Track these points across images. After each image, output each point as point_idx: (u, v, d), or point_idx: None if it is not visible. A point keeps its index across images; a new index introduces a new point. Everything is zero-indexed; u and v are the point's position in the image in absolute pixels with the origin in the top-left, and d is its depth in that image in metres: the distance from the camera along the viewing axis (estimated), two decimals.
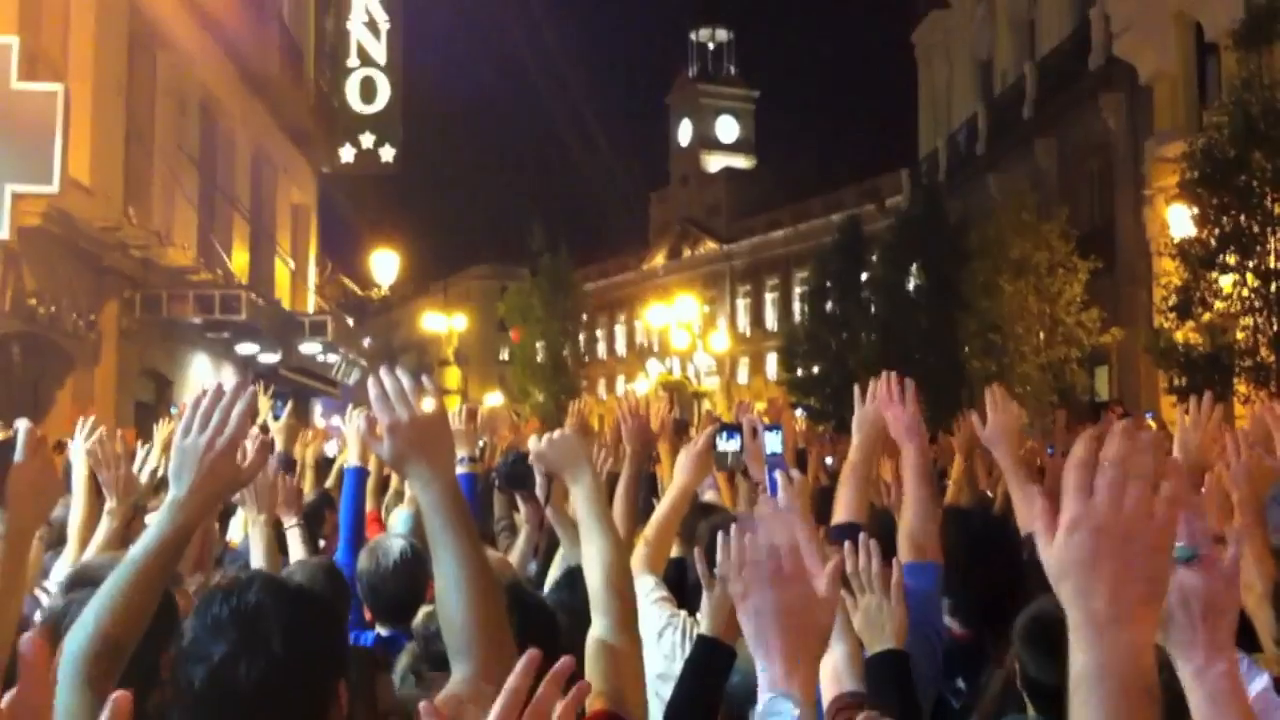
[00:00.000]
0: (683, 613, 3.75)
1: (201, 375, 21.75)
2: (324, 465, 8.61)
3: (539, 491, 4.06)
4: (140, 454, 6.63)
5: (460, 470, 4.87)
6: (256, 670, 2.04)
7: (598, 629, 2.92)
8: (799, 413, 27.43)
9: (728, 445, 4.21)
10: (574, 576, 3.46)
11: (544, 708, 1.44)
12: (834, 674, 3.07)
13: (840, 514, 4.04)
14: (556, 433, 3.27)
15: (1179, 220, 20.88)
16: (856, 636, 3.14)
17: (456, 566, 2.28)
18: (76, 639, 2.25)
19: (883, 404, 3.84)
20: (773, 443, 3.80)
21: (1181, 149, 21.12)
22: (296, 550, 4.95)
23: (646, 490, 4.85)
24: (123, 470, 4.29)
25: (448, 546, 2.30)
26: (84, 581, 3.04)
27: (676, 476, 4.26)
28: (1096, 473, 1.41)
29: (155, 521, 2.41)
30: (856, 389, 4.28)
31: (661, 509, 4.12)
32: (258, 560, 4.60)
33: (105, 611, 2.27)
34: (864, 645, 3.14)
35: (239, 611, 2.10)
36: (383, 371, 2.43)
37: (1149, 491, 1.40)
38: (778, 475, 3.53)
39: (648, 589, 3.84)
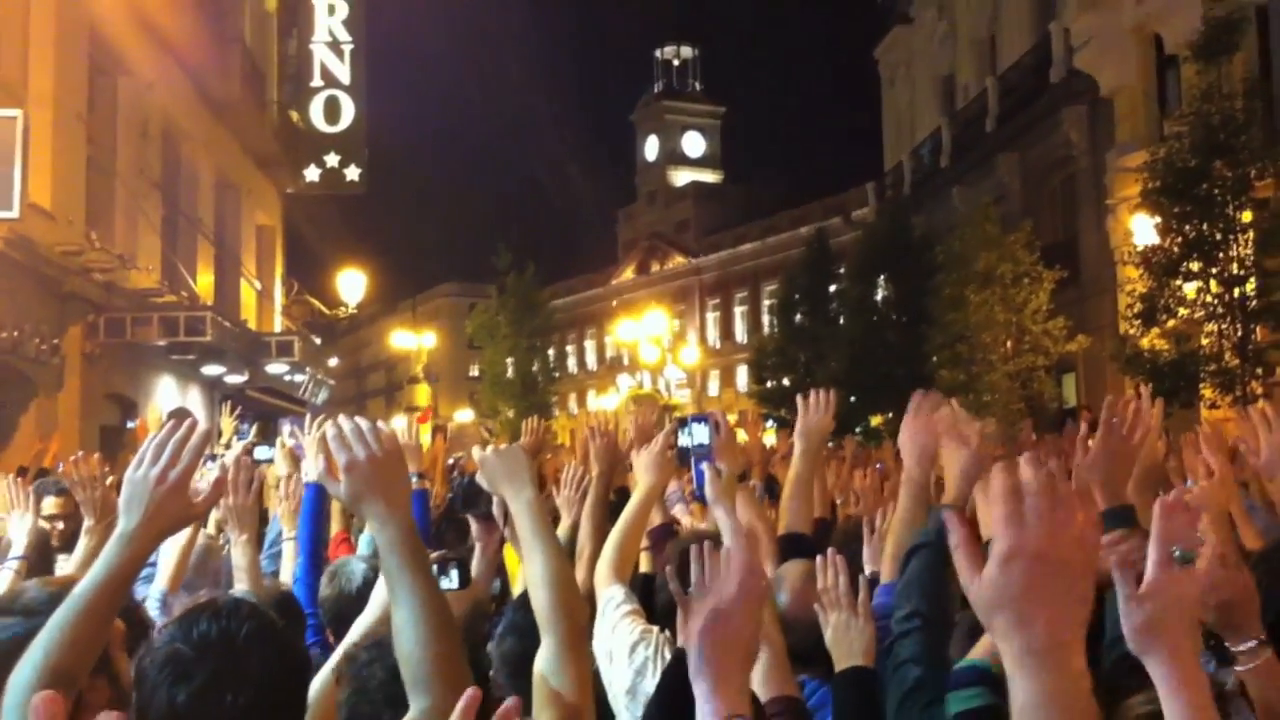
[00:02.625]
0: (655, 629, 3.70)
1: (167, 398, 21.62)
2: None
3: (495, 510, 3.99)
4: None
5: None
6: (242, 700, 2.04)
7: (546, 648, 2.88)
8: (769, 423, 27.45)
9: (688, 440, 4.15)
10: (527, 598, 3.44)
11: None
12: (764, 675, 3.06)
13: (787, 524, 4.05)
14: (504, 445, 3.22)
15: (1142, 229, 21.08)
16: (780, 639, 3.08)
17: (413, 603, 2.30)
18: (24, 673, 2.22)
19: (912, 422, 3.76)
20: (700, 434, 3.77)
21: (1143, 159, 21.34)
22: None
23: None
24: (98, 491, 4.35)
25: (404, 584, 2.31)
26: (8, 610, 2.96)
27: (640, 480, 4.24)
28: (1022, 501, 1.40)
29: (104, 554, 2.38)
30: (800, 399, 4.29)
31: (626, 514, 4.07)
32: (241, 578, 4.60)
33: (54, 644, 2.25)
34: (833, 661, 3.15)
35: (229, 638, 2.10)
36: (340, 417, 2.46)
37: (1075, 516, 1.40)
38: (704, 468, 3.49)
39: (616, 600, 3.79)
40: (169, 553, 4.56)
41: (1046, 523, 1.38)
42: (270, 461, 6.62)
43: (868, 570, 3.91)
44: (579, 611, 3.05)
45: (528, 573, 3.06)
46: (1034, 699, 1.37)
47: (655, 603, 4.04)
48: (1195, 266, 19.95)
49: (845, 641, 3.08)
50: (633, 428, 5.14)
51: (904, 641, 3.14)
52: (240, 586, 4.60)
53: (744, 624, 1.98)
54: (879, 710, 3.02)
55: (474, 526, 4.52)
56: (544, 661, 2.86)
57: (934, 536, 3.27)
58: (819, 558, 3.31)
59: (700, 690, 1.92)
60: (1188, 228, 19.87)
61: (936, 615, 3.22)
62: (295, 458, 6.09)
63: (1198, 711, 1.61)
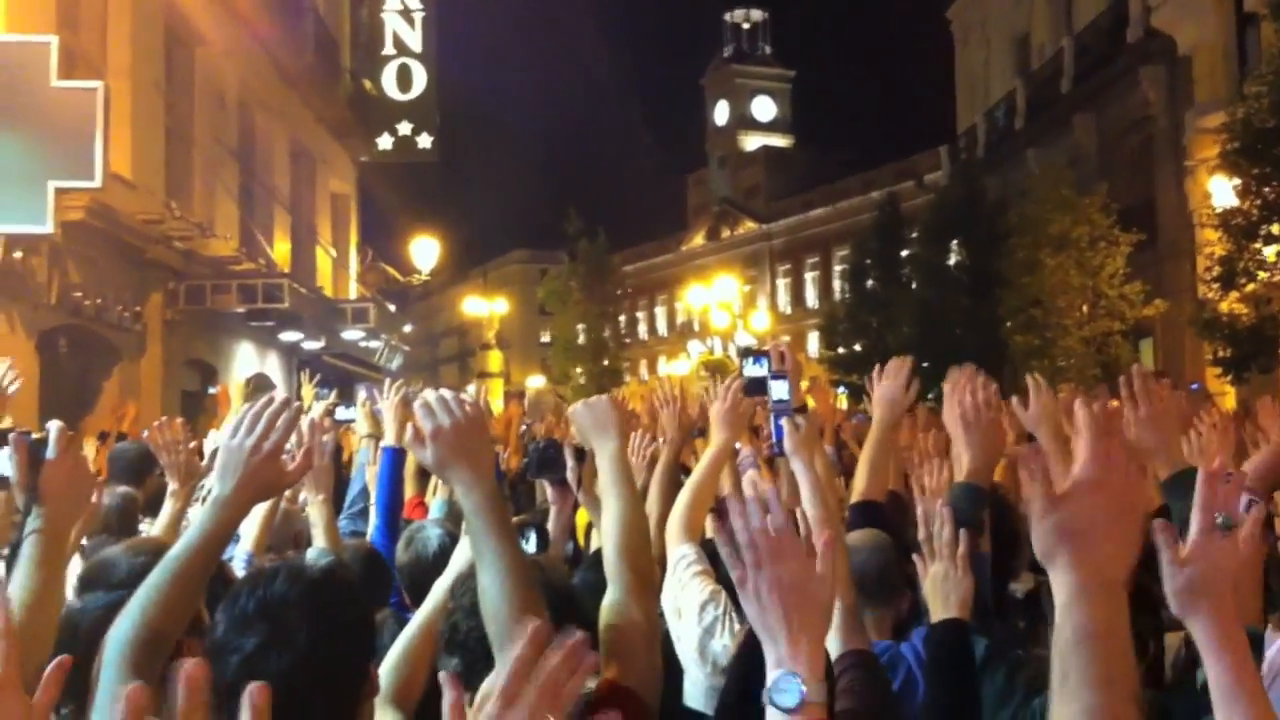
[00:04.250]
0: (724, 590, 3.75)
1: (246, 363, 21.97)
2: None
3: (569, 475, 4.11)
4: (209, 443, 6.77)
5: None
6: (286, 662, 2.10)
7: (610, 597, 2.95)
8: (839, 390, 27.38)
9: (754, 370, 4.23)
10: (600, 557, 3.50)
11: (550, 676, 1.50)
12: (834, 629, 3.10)
13: (860, 492, 4.07)
14: (594, 398, 3.33)
15: (1221, 191, 20.72)
16: (852, 596, 3.11)
17: (498, 565, 2.39)
18: (123, 627, 2.32)
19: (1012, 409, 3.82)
20: (779, 390, 3.80)
21: (1222, 120, 20.96)
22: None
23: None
24: (182, 455, 4.44)
25: (489, 547, 2.41)
26: (97, 583, 3.06)
27: (712, 436, 4.28)
28: (1109, 440, 1.45)
29: (199, 518, 2.50)
30: (876, 369, 4.31)
31: (698, 472, 4.10)
32: (318, 536, 4.75)
33: (150, 603, 2.34)
34: (929, 611, 3.18)
35: (266, 604, 2.17)
36: (427, 390, 2.53)
37: (1134, 463, 1.44)
38: (784, 423, 3.54)
39: (689, 559, 3.84)
40: (254, 517, 4.66)
41: (1121, 463, 1.43)
42: (352, 422, 6.75)
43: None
44: (647, 565, 3.11)
45: (603, 520, 3.14)
46: (1090, 630, 1.43)
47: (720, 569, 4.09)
48: (1275, 229, 19.58)
49: (943, 592, 3.10)
50: (693, 401, 5.17)
51: None
52: (319, 544, 4.73)
53: (822, 584, 1.93)
54: (970, 662, 3.05)
55: (548, 491, 4.59)
56: (609, 611, 2.93)
57: (965, 518, 3.33)
58: (920, 511, 3.33)
59: (774, 654, 1.87)
60: (1267, 189, 19.51)
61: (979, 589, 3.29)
62: (378, 419, 6.17)
63: (1239, 671, 1.66)
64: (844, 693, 2.81)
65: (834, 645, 2.93)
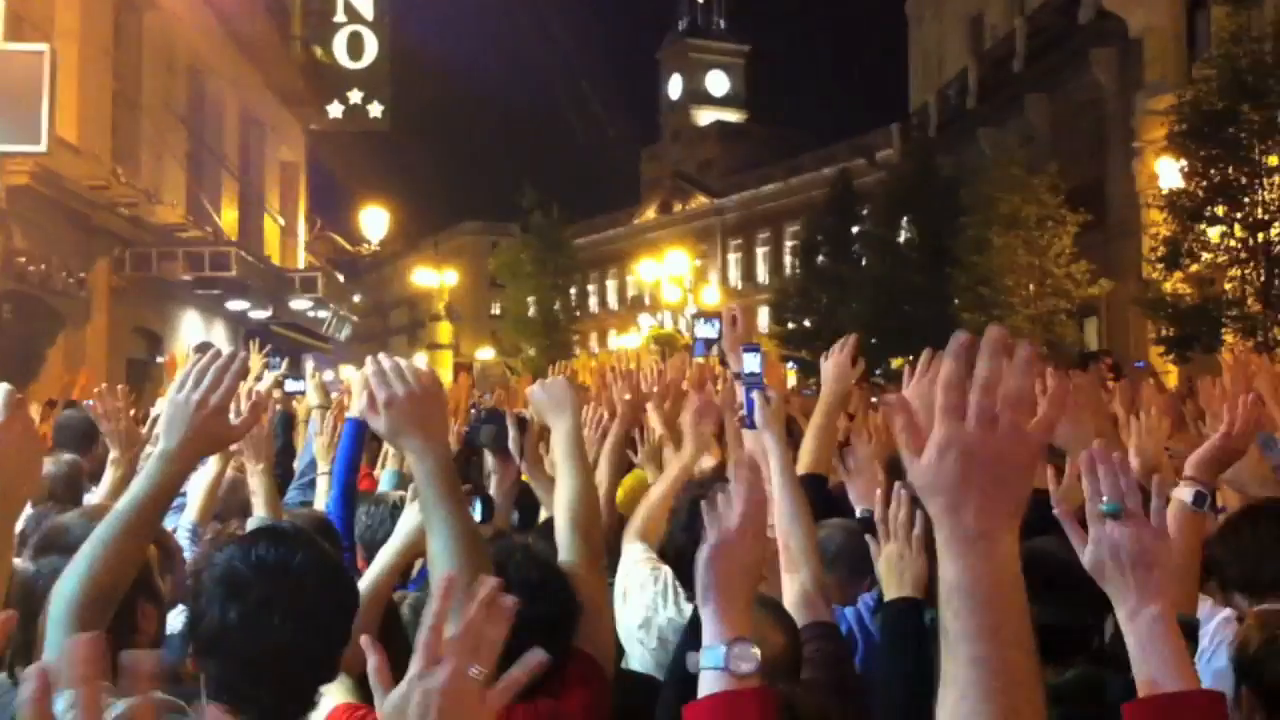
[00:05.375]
0: (664, 566, 3.82)
1: (192, 332, 21.79)
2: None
3: (512, 447, 4.23)
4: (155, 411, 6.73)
5: None
6: (289, 624, 2.13)
7: (564, 567, 3.02)
8: (789, 366, 27.50)
9: (705, 330, 4.27)
10: (550, 527, 3.56)
11: (468, 628, 1.60)
12: (801, 601, 3.18)
13: (806, 465, 4.12)
14: (549, 379, 3.42)
15: (1168, 172, 20.96)
16: (818, 562, 3.25)
17: (447, 532, 2.42)
18: (69, 583, 2.32)
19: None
20: (751, 363, 3.84)
21: (1171, 102, 21.20)
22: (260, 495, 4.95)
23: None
24: (123, 423, 4.43)
25: (440, 514, 2.43)
26: (53, 547, 3.07)
27: (685, 447, 4.34)
28: (963, 395, 1.46)
29: (144, 472, 2.49)
30: (827, 351, 4.36)
31: (664, 483, 4.20)
32: (260, 505, 4.69)
33: (97, 559, 2.34)
34: (882, 590, 3.24)
35: (284, 563, 2.19)
36: (380, 355, 2.59)
37: (1021, 415, 1.45)
38: (754, 396, 3.58)
39: (638, 555, 3.93)
40: (198, 486, 4.63)
41: (984, 421, 1.44)
42: (302, 394, 6.73)
43: (858, 510, 3.98)
44: (598, 537, 3.20)
45: (556, 494, 3.22)
46: (958, 582, 1.44)
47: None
48: (1220, 211, 19.87)
49: (896, 571, 3.15)
50: (657, 379, 5.21)
51: None
52: (259, 514, 4.72)
53: (747, 549, 2.06)
54: (925, 641, 3.10)
55: (491, 460, 4.64)
56: None
57: None
58: (879, 490, 3.38)
59: (707, 614, 2.00)
60: (1214, 171, 19.78)
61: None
62: (327, 390, 6.16)
63: (1151, 643, 1.76)
64: (808, 662, 2.89)
65: (800, 616, 3.05)
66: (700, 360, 5.69)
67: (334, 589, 2.26)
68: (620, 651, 3.74)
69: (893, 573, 3.16)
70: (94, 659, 1.16)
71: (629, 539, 4.01)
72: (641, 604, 3.75)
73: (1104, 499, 1.91)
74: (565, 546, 3.08)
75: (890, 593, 3.16)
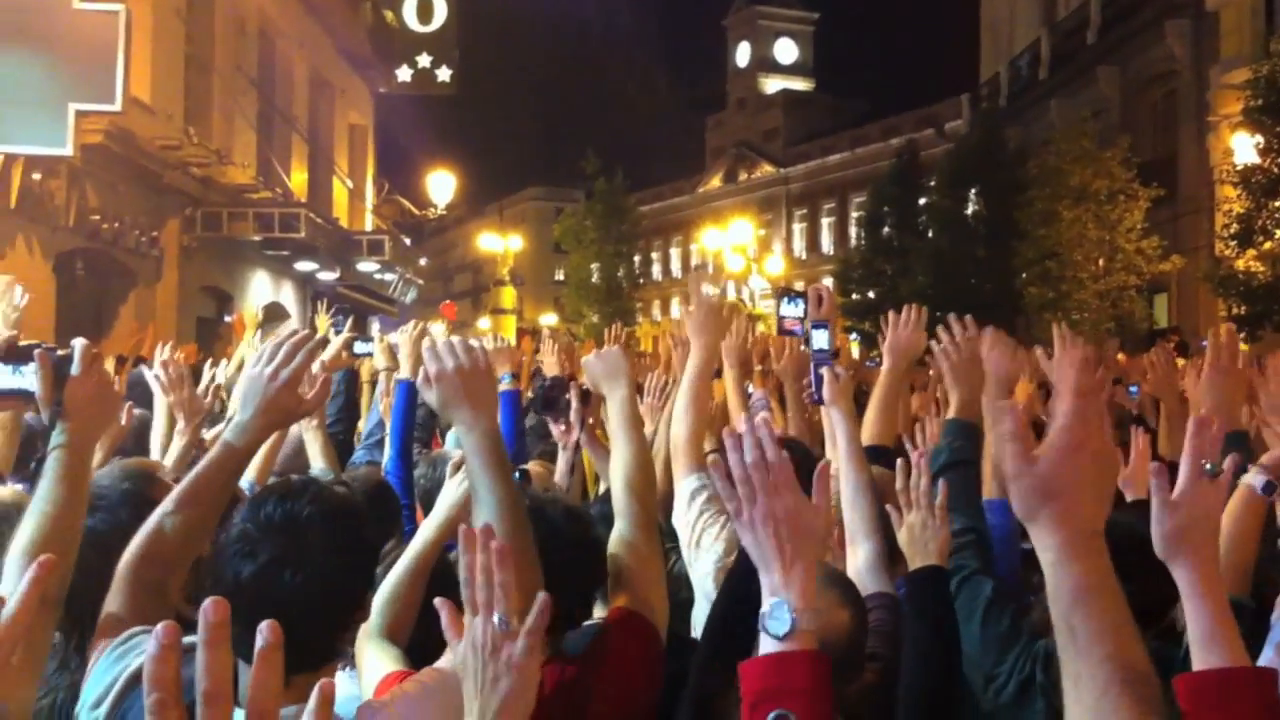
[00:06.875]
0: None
1: (261, 292, 22.05)
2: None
3: (572, 416, 4.35)
4: (207, 374, 6.84)
5: (503, 388, 5.24)
6: (300, 578, 2.17)
7: (618, 531, 3.10)
8: (853, 337, 27.40)
9: (789, 309, 4.28)
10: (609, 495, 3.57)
11: (486, 577, 1.85)
12: (860, 573, 3.21)
13: (870, 437, 4.11)
14: (605, 348, 3.48)
15: (1242, 148, 20.61)
16: (883, 537, 3.28)
17: (493, 502, 2.48)
18: (138, 543, 2.42)
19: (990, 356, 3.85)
20: (820, 339, 3.82)
21: (1246, 76, 20.80)
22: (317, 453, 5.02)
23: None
24: (186, 392, 4.50)
25: (485, 485, 2.50)
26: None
27: (692, 344, 3.85)
28: (1090, 400, 1.49)
29: (219, 442, 2.59)
30: (890, 316, 4.31)
31: (683, 395, 3.78)
32: (315, 460, 4.88)
33: (173, 522, 2.44)
34: (906, 559, 3.24)
35: (291, 519, 2.22)
36: (436, 331, 2.68)
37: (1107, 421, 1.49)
38: (824, 372, 3.61)
39: (698, 490, 3.68)
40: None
41: (1099, 421, 1.47)
42: (370, 355, 6.83)
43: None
44: (653, 502, 3.26)
45: (611, 460, 3.27)
46: (1084, 581, 1.48)
47: None
48: None
49: (920, 541, 3.15)
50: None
51: (963, 554, 3.30)
52: (317, 465, 4.84)
53: (815, 514, 2.00)
54: (950, 610, 3.12)
55: (553, 428, 4.71)
56: (617, 543, 3.08)
57: (965, 453, 3.51)
58: (899, 461, 3.39)
59: (769, 583, 1.92)
60: None
61: (983, 529, 3.44)
62: (394, 353, 6.25)
63: (1218, 616, 1.72)
64: (871, 632, 2.90)
65: (862, 586, 3.08)
66: (797, 342, 5.45)
67: (345, 542, 2.27)
68: (689, 603, 3.72)
69: (917, 542, 3.16)
70: (225, 621, 1.20)
71: (682, 469, 3.72)
72: (710, 557, 3.69)
73: (1206, 462, 1.90)
74: (621, 510, 3.14)
75: (915, 562, 3.16)
